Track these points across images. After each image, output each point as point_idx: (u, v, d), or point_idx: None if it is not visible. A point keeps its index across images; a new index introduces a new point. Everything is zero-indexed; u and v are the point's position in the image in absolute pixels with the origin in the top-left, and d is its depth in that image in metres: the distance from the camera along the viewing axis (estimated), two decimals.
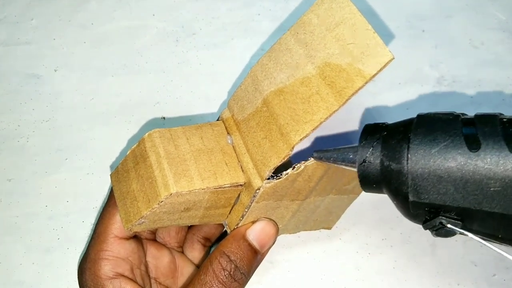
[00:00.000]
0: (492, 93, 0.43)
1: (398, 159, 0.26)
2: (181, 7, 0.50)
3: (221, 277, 0.29)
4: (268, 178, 0.27)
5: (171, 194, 0.26)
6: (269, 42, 0.48)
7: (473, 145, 0.24)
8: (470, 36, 0.47)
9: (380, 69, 0.23)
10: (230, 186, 0.28)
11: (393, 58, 0.23)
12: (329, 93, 0.25)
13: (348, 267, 0.37)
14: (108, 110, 0.44)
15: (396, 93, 0.44)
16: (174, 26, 0.49)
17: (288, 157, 0.27)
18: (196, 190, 0.27)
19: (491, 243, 0.25)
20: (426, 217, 0.26)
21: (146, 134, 0.29)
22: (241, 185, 0.29)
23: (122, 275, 0.30)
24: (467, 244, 0.37)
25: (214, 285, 0.29)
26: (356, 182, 0.30)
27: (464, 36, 0.47)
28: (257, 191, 0.28)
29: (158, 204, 0.27)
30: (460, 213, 0.25)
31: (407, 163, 0.25)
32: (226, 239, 0.30)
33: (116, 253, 0.31)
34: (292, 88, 0.27)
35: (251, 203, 0.28)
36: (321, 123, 0.25)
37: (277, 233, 0.31)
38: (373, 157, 0.27)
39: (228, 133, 0.30)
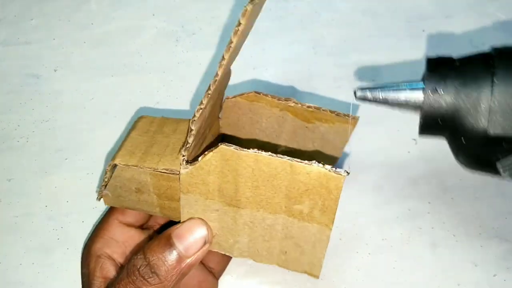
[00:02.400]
0: None
1: (479, 89, 0.24)
2: (181, 7, 0.50)
3: (131, 275, 0.27)
4: (187, 163, 0.27)
5: (114, 165, 0.29)
6: (269, 42, 0.48)
7: None
8: (470, 36, 0.47)
9: (239, 23, 0.24)
10: (167, 172, 0.28)
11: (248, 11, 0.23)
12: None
13: (348, 267, 0.37)
14: (108, 110, 0.44)
15: None
16: (174, 26, 0.49)
17: (194, 136, 0.27)
18: (135, 167, 0.28)
19: None
20: (502, 154, 0.24)
21: (138, 117, 0.32)
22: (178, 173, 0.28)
23: (110, 257, 0.31)
24: (467, 244, 0.37)
25: (122, 283, 0.28)
26: (313, 204, 0.27)
27: (464, 36, 0.47)
28: (180, 177, 0.28)
29: (109, 173, 0.29)
30: None
31: (492, 93, 0.23)
32: (153, 237, 0.29)
33: (112, 235, 0.31)
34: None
35: (180, 193, 0.28)
36: (208, 94, 0.26)
37: (207, 236, 0.29)
38: (447, 88, 0.25)
39: None
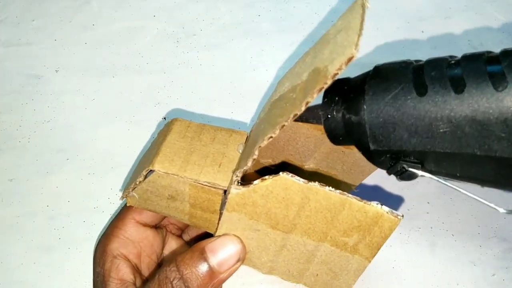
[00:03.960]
0: None
1: (356, 111, 0.26)
2: (182, 8, 0.51)
3: (163, 287, 0.27)
4: (240, 184, 0.27)
5: (150, 171, 0.28)
6: (269, 42, 0.48)
7: (421, 90, 0.24)
8: (469, 36, 0.47)
9: (340, 67, 0.23)
10: (209, 186, 0.28)
11: (354, 57, 0.22)
12: (298, 97, 0.25)
13: None
14: (109, 110, 0.44)
15: None
16: (175, 27, 0.49)
17: (254, 160, 0.26)
18: (175, 176, 0.28)
19: (451, 182, 0.26)
20: (390, 163, 0.26)
21: (171, 119, 0.31)
22: (223, 190, 0.28)
23: (126, 258, 0.31)
24: (466, 243, 0.37)
25: None
26: (360, 239, 0.28)
27: (463, 37, 0.47)
28: (226, 196, 0.27)
29: (142, 177, 0.28)
30: (418, 156, 0.25)
31: (364, 114, 0.26)
32: (186, 250, 0.29)
33: (128, 235, 0.31)
34: (284, 95, 0.27)
35: (222, 210, 0.28)
36: (283, 125, 0.25)
37: (241, 253, 0.29)
38: (336, 111, 0.27)
39: (245, 143, 0.30)
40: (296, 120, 0.29)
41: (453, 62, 0.25)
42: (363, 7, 0.24)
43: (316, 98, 0.24)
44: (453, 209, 0.38)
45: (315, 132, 0.33)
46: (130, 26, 0.49)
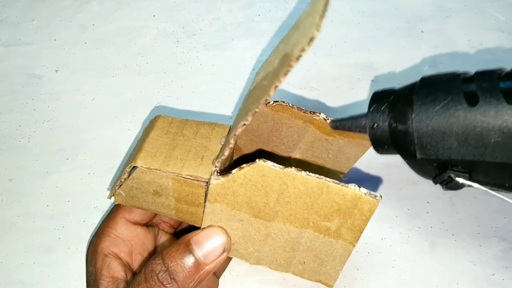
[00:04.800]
0: None
1: (404, 120, 0.27)
2: (182, 8, 0.51)
3: (150, 280, 0.27)
4: (219, 174, 0.27)
5: (133, 167, 0.28)
6: (269, 42, 0.48)
7: (472, 100, 0.25)
8: (469, 36, 0.47)
9: (302, 49, 0.23)
10: (192, 179, 0.28)
11: (314, 37, 0.22)
12: (268, 83, 0.25)
13: (348, 266, 0.37)
14: (109, 110, 0.45)
15: None
16: (175, 27, 0.49)
17: (231, 149, 0.26)
18: (158, 171, 0.28)
19: (499, 192, 0.26)
20: (436, 172, 0.27)
21: (155, 116, 0.31)
22: (206, 182, 0.28)
23: (117, 256, 0.31)
24: (466, 243, 0.37)
25: (141, 287, 0.28)
26: (342, 223, 0.28)
27: (463, 37, 0.47)
28: (208, 186, 0.27)
29: (127, 174, 0.29)
30: (466, 166, 0.26)
31: (412, 123, 0.26)
32: (172, 243, 0.29)
33: (119, 233, 0.31)
34: (258, 84, 0.27)
35: (205, 201, 0.28)
36: (255, 111, 0.25)
37: (226, 244, 0.29)
38: (382, 120, 0.28)
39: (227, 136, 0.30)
40: (338, 129, 0.30)
41: (504, 74, 0.25)
42: None
43: (283, 82, 0.24)
44: (453, 209, 0.39)
45: (297, 122, 0.33)
46: (130, 26, 0.49)
